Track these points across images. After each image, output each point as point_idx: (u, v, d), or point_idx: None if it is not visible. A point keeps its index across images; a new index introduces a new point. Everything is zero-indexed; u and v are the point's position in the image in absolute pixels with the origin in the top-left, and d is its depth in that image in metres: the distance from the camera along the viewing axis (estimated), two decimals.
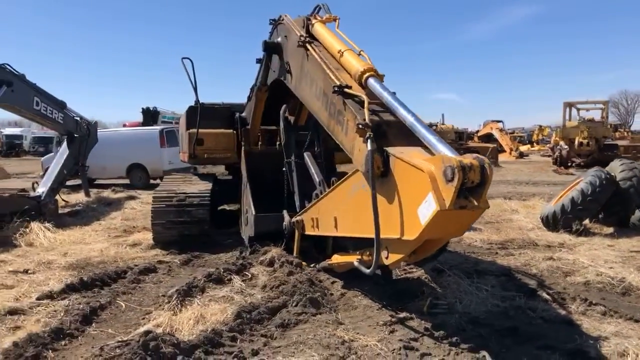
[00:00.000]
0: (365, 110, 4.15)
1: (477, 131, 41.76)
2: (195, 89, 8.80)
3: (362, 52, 5.07)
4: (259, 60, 7.85)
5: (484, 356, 3.42)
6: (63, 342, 3.94)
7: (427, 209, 3.38)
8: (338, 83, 4.65)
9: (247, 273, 5.71)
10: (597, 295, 4.89)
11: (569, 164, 24.50)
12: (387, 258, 4.07)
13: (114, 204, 12.04)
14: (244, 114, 9.02)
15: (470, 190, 3.24)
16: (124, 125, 26.20)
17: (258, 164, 7.22)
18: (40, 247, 7.46)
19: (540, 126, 46.93)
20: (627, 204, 7.80)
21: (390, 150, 3.88)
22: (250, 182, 7.01)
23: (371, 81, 4.50)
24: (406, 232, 3.63)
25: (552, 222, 7.87)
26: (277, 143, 7.51)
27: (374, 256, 3.94)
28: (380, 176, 3.92)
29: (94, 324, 4.35)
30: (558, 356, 3.49)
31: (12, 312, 4.55)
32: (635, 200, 7.75)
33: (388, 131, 4.13)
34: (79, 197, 12.59)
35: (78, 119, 11.82)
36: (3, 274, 5.82)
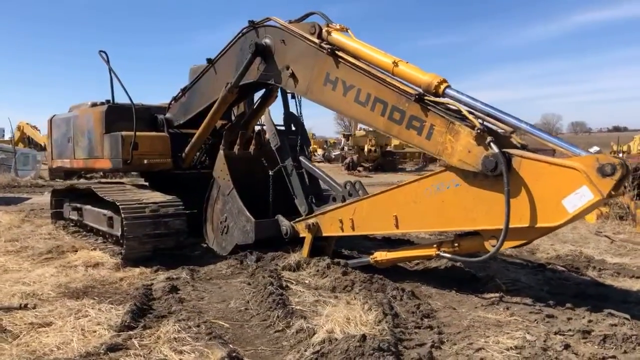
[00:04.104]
0: (471, 117, 4.74)
1: None
2: (121, 85, 7.86)
3: (408, 63, 5.57)
4: (209, 61, 7.55)
5: (610, 313, 4.36)
6: None
7: (579, 200, 4.17)
8: (412, 92, 5.11)
9: (288, 279, 5.60)
10: (578, 265, 6.30)
11: (358, 169, 27.93)
12: (494, 246, 4.69)
13: None
14: (168, 115, 8.40)
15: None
16: None
17: (239, 168, 6.93)
18: None
19: None
20: None
21: (512, 151, 4.55)
22: (236, 188, 6.72)
23: (451, 91, 5.07)
24: (546, 220, 4.33)
25: None
26: (252, 147, 7.33)
27: (498, 244, 4.54)
28: (498, 175, 4.52)
29: (230, 345, 3.92)
30: None
31: (112, 348, 3.74)
32: None
33: None
34: None
35: None
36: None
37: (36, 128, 32.13)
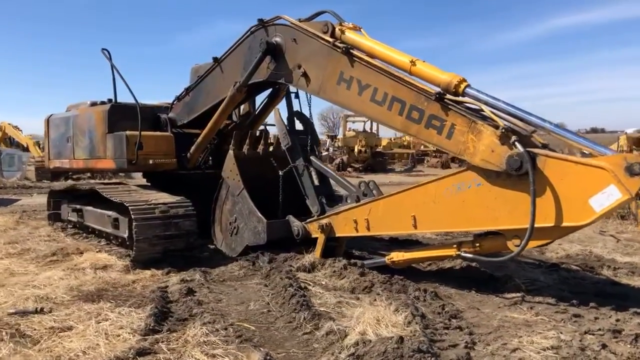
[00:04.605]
0: (495, 117, 4.73)
1: None
2: (125, 83, 7.68)
3: (425, 62, 5.55)
4: (215, 59, 7.45)
5: (636, 312, 4.38)
6: None
7: (606, 199, 4.17)
8: (432, 91, 5.10)
9: (304, 280, 5.53)
10: (591, 264, 6.32)
11: (348, 169, 27.93)
12: (517, 246, 4.68)
13: None
14: (172, 115, 8.27)
15: None
16: None
17: (248, 168, 6.84)
18: None
19: None
20: None
21: (536, 151, 4.54)
22: (246, 188, 6.63)
23: (471, 91, 5.06)
24: (572, 220, 4.33)
25: None
26: (261, 147, 7.25)
27: (522, 243, 4.52)
28: (522, 174, 4.51)
29: (261, 349, 3.84)
30: None
31: (141, 353, 3.64)
32: None
33: None
34: None
35: None
36: (10, 318, 4.37)
37: (18, 128, 31.50)
